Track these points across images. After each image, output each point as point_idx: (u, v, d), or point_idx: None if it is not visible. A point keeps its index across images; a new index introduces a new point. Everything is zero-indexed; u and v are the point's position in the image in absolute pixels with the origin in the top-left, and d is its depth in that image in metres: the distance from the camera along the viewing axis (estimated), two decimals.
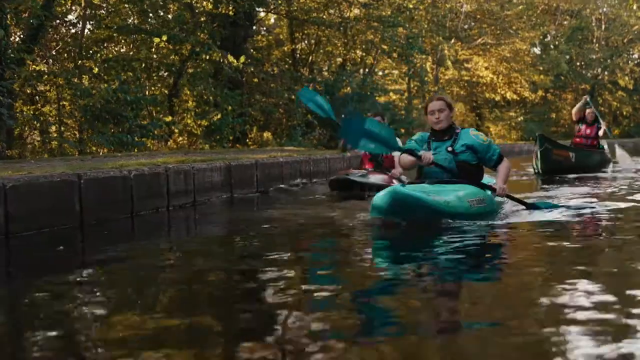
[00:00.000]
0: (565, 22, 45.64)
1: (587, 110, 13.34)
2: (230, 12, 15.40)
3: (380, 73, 30.95)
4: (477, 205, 5.01)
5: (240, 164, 8.12)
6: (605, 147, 14.02)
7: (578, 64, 46.43)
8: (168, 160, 7.22)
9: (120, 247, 4.58)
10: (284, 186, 9.22)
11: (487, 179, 5.66)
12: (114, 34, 14.41)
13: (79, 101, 11.63)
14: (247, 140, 17.39)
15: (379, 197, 4.64)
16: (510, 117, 40.22)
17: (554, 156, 11.73)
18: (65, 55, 13.52)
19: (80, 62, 12.77)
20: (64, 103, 12.07)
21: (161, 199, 6.42)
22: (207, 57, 14.86)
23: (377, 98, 24.44)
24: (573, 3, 43.38)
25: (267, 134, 17.56)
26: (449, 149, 5.30)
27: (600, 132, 13.33)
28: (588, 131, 13.34)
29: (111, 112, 11.82)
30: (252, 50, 19.16)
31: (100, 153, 11.55)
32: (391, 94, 29.98)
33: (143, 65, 14.43)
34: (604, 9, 46.45)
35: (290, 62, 22.42)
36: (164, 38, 13.61)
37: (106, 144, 11.37)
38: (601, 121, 13.60)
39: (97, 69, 13.02)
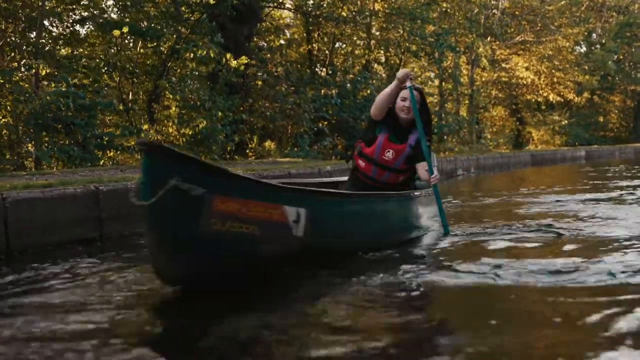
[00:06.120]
0: (611, 19, 42.45)
1: (403, 93, 4.95)
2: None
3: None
4: None
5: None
6: (434, 166, 5.00)
7: (627, 63, 43.16)
8: None
9: None
10: None
11: None
12: (77, 30, 12.37)
13: (19, 106, 9.56)
14: (248, 151, 15.15)
15: None
16: (553, 120, 37.25)
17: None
18: (12, 54, 11.44)
19: (26, 60, 10.70)
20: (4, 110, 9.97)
21: None
22: (191, 56, 12.69)
23: None
24: None
25: (268, 144, 15.25)
26: None
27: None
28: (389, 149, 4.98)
29: (60, 120, 9.71)
30: (257, 50, 16.96)
31: (55, 169, 9.53)
32: None
33: (102, 64, 12.21)
34: None
35: (307, 63, 20.22)
36: (125, 30, 11.44)
37: (46, 159, 9.26)
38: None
39: (44, 70, 10.94)
